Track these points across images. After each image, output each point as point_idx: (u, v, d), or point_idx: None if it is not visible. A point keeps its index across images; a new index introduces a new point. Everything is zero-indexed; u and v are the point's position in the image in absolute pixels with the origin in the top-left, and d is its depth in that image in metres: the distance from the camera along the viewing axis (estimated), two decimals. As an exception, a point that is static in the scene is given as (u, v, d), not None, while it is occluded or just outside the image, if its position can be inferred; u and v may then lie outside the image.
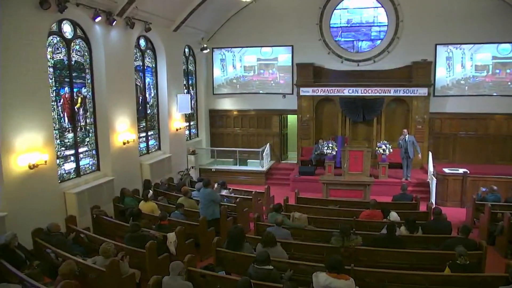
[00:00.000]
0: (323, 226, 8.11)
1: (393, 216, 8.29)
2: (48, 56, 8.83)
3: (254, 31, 15.74)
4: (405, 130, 13.13)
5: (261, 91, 16.26)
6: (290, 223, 7.94)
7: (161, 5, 11.93)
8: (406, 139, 12.73)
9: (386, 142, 13.10)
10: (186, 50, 15.50)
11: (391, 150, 12.85)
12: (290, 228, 7.54)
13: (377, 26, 15.22)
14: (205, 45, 15.57)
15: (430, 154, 13.27)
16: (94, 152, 10.42)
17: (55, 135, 9.00)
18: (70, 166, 9.67)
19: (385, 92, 14.56)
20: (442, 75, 14.66)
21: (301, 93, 15.25)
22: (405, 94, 14.49)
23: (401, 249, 6.57)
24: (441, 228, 7.47)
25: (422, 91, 14.34)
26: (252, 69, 16.28)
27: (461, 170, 11.96)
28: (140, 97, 12.49)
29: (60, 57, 9.27)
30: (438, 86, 14.68)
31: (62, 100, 9.38)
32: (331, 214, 9.11)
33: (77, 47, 9.81)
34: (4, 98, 7.39)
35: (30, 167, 7.89)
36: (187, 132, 15.67)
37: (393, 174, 13.25)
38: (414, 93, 14.40)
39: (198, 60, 16.33)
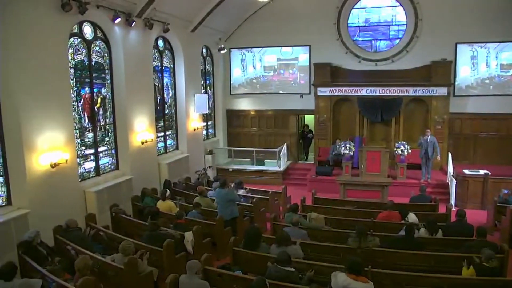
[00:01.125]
0: (340, 227, 8.07)
1: (412, 217, 8.16)
2: (69, 57, 9.00)
3: (271, 31, 15.74)
4: (429, 130, 12.90)
5: (281, 91, 16.21)
6: (307, 223, 7.92)
7: (179, 6, 12.04)
8: (428, 140, 12.54)
9: (404, 142, 12.95)
10: (204, 50, 15.60)
11: (410, 151, 12.69)
12: (307, 229, 7.52)
13: (396, 25, 15.05)
14: (222, 46, 15.64)
15: (450, 155, 13.03)
16: (113, 151, 10.58)
17: (75, 134, 9.17)
18: (90, 165, 9.84)
19: (404, 92, 14.37)
20: (466, 74, 14.37)
21: (319, 93, 15.18)
22: (424, 94, 14.29)
23: (420, 251, 6.47)
24: (463, 231, 7.31)
25: (442, 91, 14.11)
26: (272, 69, 16.27)
27: (481, 172, 11.70)
28: (158, 97, 12.63)
29: (80, 58, 9.44)
30: (462, 85, 14.41)
31: (82, 100, 9.55)
32: (348, 215, 9.05)
33: (97, 48, 9.98)
34: (27, 99, 7.57)
35: (51, 166, 8.05)
36: (204, 132, 15.77)
37: (411, 175, 13.08)
38: (433, 93, 14.18)
39: (215, 60, 16.42)
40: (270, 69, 16.31)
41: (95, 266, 6.04)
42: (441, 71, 14.08)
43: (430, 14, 14.35)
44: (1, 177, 7.55)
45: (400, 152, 12.71)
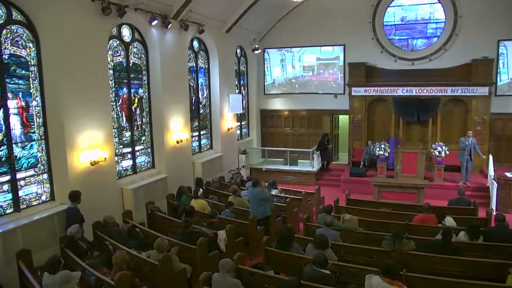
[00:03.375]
0: (373, 229, 7.94)
1: (449, 221, 7.93)
2: (109, 59, 9.31)
3: (305, 31, 15.68)
4: (470, 132, 12.47)
5: (320, 91, 16.08)
6: (340, 224, 7.85)
7: (213, 7, 12.19)
8: (470, 141, 12.11)
9: (442, 143, 12.56)
10: (238, 50, 15.73)
11: (448, 152, 12.30)
12: (340, 230, 7.46)
13: (434, 22, 14.62)
14: (256, 46, 15.70)
15: (491, 157, 12.53)
16: (149, 150, 10.85)
17: (114, 133, 9.47)
18: (127, 163, 10.15)
19: (442, 92, 13.96)
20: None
21: (353, 93, 14.99)
22: (463, 94, 13.80)
23: (458, 256, 6.26)
24: (504, 236, 6.99)
25: (482, 91, 13.59)
26: (311, 68, 16.15)
27: (525, 175, 11.21)
28: (193, 97, 12.84)
29: (119, 59, 9.75)
30: (505, 84, 13.82)
31: (120, 100, 9.85)
32: (383, 217, 8.88)
33: (135, 49, 10.27)
34: (69, 99, 7.90)
35: (91, 164, 8.36)
36: (238, 131, 15.90)
37: (449, 178, 12.69)
38: (473, 92, 13.68)
39: (249, 60, 16.53)
40: (309, 69, 16.18)
41: (131, 262, 6.23)
42: (482, 70, 13.56)
43: (470, 11, 13.83)
44: (46, 174, 7.90)
45: (437, 153, 12.35)
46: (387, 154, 12.72)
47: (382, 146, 12.72)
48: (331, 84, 15.92)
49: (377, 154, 12.76)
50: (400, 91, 14.40)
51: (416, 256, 6.35)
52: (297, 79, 16.41)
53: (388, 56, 14.95)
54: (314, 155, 14.93)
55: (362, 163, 14.07)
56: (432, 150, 12.67)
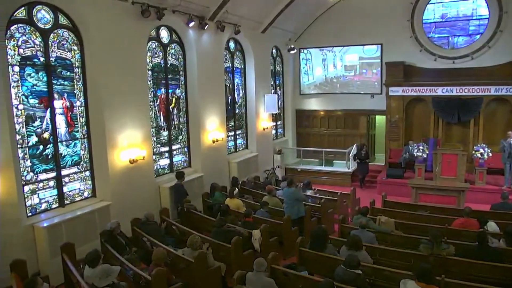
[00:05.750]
0: (411, 232, 7.74)
1: (492, 226, 7.63)
2: (147, 60, 9.57)
3: (341, 30, 15.50)
4: (510, 132, 11.93)
5: (361, 92, 15.84)
6: (376, 226, 7.73)
7: (249, 8, 12.27)
8: (511, 142, 11.60)
9: (484, 145, 12.08)
10: (274, 51, 15.75)
11: (490, 154, 11.82)
12: (376, 232, 7.34)
13: (476, 19, 14.06)
14: (292, 46, 15.67)
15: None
16: (186, 149, 11.07)
17: (152, 133, 9.73)
18: (164, 162, 10.39)
19: (485, 91, 13.39)
20: None
21: (390, 93, 14.65)
22: (508, 93, 13.16)
23: (498, 262, 5.99)
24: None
25: (529, 90, 12.97)
26: (353, 68, 15.89)
27: None
28: (229, 97, 12.98)
29: (157, 60, 10.00)
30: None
31: (158, 101, 10.10)
32: (420, 220, 8.64)
33: (173, 50, 10.50)
34: (110, 100, 8.19)
35: (130, 162, 8.63)
36: (273, 131, 15.93)
37: (492, 181, 12.18)
38: (518, 91, 13.09)
39: (285, 60, 16.51)
40: (351, 68, 15.92)
41: (167, 258, 6.38)
42: (529, 68, 12.94)
43: (517, 6, 13.24)
44: (88, 171, 8.24)
45: (479, 155, 11.88)
46: (425, 156, 12.37)
47: (421, 147, 12.38)
48: (375, 84, 15.56)
49: (415, 155, 12.43)
50: (440, 91, 13.95)
51: (455, 261, 6.14)
52: (339, 78, 16.19)
53: (427, 55, 14.53)
54: (350, 155, 14.74)
55: (400, 163, 13.69)
56: (473, 151, 12.20)
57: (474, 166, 12.38)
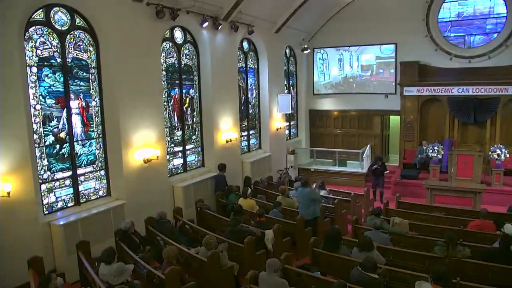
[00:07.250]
0: (425, 234, 7.64)
1: (509, 228, 7.45)
2: (162, 61, 9.64)
3: (354, 30, 15.37)
4: None
5: (378, 92, 15.68)
6: (390, 228, 7.65)
7: (263, 8, 12.27)
8: None
9: (501, 146, 11.87)
10: (287, 51, 15.73)
11: (508, 155, 11.61)
12: (390, 233, 7.27)
13: (494, 18, 13.83)
14: (306, 46, 15.61)
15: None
16: (199, 149, 11.13)
17: (166, 133, 9.81)
18: (178, 161, 10.46)
19: (502, 91, 13.14)
20: None
21: (405, 93, 14.50)
22: (526, 93, 12.97)
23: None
24: None
25: (547, 90, 12.70)
26: (370, 68, 15.78)
27: None
28: (243, 97, 13.00)
29: (171, 61, 10.07)
30: None
31: (172, 101, 10.18)
32: (435, 221, 8.53)
33: (187, 51, 10.57)
34: (125, 100, 8.29)
35: (144, 161, 8.72)
36: (287, 131, 15.90)
37: (509, 182, 11.96)
38: (537, 91, 12.82)
39: (299, 60, 16.47)
40: (367, 68, 15.80)
41: (181, 257, 6.43)
42: (548, 68, 12.68)
43: (537, 4, 12.99)
44: (103, 171, 8.35)
45: (496, 156, 11.68)
46: (440, 156, 12.20)
47: (436, 147, 12.21)
48: (392, 84, 15.37)
49: (430, 156, 12.27)
50: (456, 91, 13.75)
51: (472, 264, 6.04)
52: (355, 78, 16.08)
53: (442, 54, 14.34)
54: (364, 155, 14.63)
55: (415, 164, 13.52)
56: (490, 152, 12.00)
57: (491, 167, 12.17)
